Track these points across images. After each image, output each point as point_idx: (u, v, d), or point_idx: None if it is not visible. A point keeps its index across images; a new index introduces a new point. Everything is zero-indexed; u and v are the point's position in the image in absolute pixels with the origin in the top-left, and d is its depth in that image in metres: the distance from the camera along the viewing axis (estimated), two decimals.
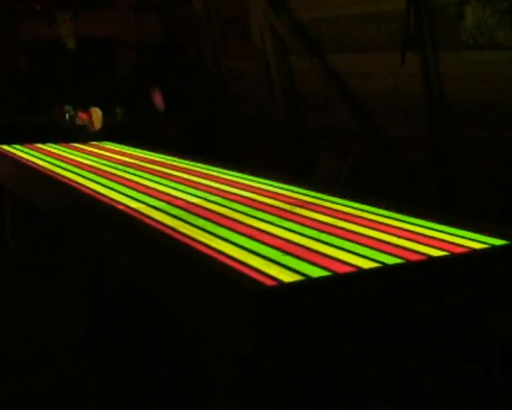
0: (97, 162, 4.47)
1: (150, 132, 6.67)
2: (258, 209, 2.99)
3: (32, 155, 4.80)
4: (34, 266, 4.88)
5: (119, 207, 3.05)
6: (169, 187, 3.53)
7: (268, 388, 2.09)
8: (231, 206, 3.05)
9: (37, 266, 4.88)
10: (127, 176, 3.90)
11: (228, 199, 3.21)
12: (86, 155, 4.87)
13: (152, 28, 7.85)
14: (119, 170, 4.12)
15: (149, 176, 3.90)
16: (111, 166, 4.26)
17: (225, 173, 3.97)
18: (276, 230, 2.62)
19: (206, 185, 3.58)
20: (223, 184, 3.62)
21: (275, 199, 3.21)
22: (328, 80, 5.63)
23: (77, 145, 5.41)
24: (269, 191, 3.41)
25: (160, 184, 3.63)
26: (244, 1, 6.24)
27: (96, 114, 5.80)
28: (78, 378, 3.35)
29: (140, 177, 3.87)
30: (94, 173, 3.97)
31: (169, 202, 3.14)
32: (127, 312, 3.76)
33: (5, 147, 5.17)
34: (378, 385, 2.11)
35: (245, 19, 6.34)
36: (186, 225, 2.68)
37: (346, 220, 2.77)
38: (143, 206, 3.06)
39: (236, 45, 6.79)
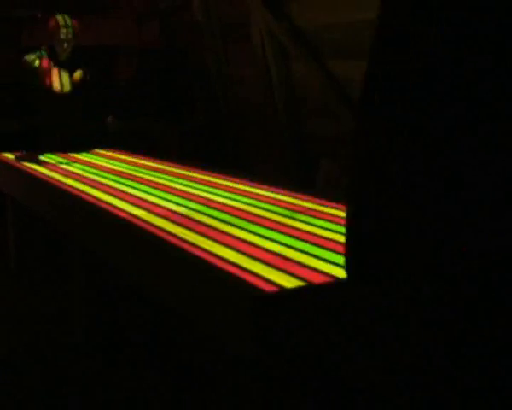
0: (97, 170, 4.48)
1: (151, 138, 6.68)
2: (258, 216, 2.99)
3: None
4: (36, 271, 4.89)
5: (122, 214, 3.06)
6: (169, 194, 3.54)
7: (268, 389, 2.09)
8: (231, 213, 3.06)
9: (39, 271, 4.89)
10: (127, 183, 3.91)
11: (228, 205, 3.22)
12: (88, 158, 4.89)
13: (153, 35, 7.86)
14: (119, 178, 4.14)
15: (149, 183, 3.91)
16: (111, 174, 4.27)
17: (225, 180, 3.97)
18: (276, 236, 2.63)
19: (207, 192, 3.59)
20: (223, 190, 3.62)
21: (276, 205, 3.22)
22: (328, 86, 5.63)
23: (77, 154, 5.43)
24: (269, 198, 3.41)
25: (161, 191, 3.64)
26: (244, 7, 6.25)
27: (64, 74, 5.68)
28: (78, 378, 3.38)
29: (140, 184, 3.89)
30: (94, 181, 3.99)
31: (170, 210, 3.15)
32: (127, 313, 3.77)
33: (7, 154, 5.19)
34: (379, 385, 2.12)
35: (245, 25, 6.35)
36: (187, 232, 2.69)
37: None
38: (144, 213, 3.07)
39: (237, 51, 6.79)
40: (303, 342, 2.02)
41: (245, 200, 3.35)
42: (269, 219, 2.92)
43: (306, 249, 2.43)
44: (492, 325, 1.42)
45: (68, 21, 5.62)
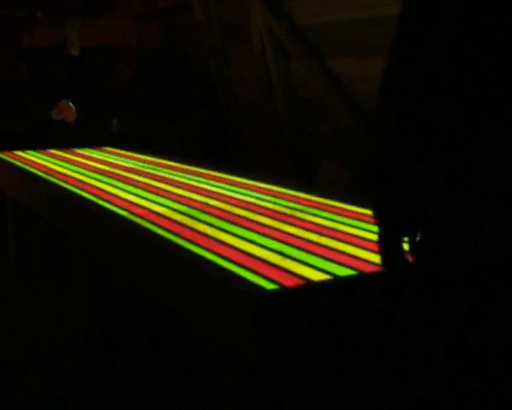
0: (98, 168, 4.47)
1: (151, 138, 6.68)
2: (258, 213, 2.98)
3: (31, 161, 4.81)
4: (36, 271, 4.89)
5: (121, 212, 3.05)
6: (169, 192, 3.54)
7: (268, 389, 2.09)
8: (232, 210, 3.05)
9: (39, 271, 4.88)
10: (128, 181, 3.91)
11: (228, 203, 3.21)
12: (87, 160, 4.89)
13: (153, 35, 7.86)
14: (120, 175, 4.13)
15: (149, 181, 3.91)
16: (112, 172, 4.26)
17: (225, 179, 3.96)
18: (276, 234, 2.62)
19: (206, 190, 3.58)
20: (223, 188, 3.61)
21: (275, 204, 3.20)
22: (328, 85, 5.62)
23: (77, 151, 5.42)
24: (269, 196, 3.40)
25: (161, 189, 3.64)
26: (245, 7, 6.25)
27: (67, 106, 5.76)
28: (78, 378, 3.37)
29: (140, 181, 3.88)
30: (95, 179, 3.98)
31: (169, 207, 3.14)
32: (128, 313, 3.77)
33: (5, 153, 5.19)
34: (378, 385, 2.12)
35: (245, 24, 6.34)
36: (187, 230, 2.69)
37: (346, 224, 2.77)
38: (145, 211, 3.07)
39: (237, 51, 6.79)
40: (303, 340, 2.01)
41: (244, 198, 3.35)
42: (268, 217, 2.92)
43: (306, 247, 2.43)
44: (492, 325, 1.42)
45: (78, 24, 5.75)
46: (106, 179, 3.97)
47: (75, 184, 3.79)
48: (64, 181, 3.91)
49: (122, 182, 3.88)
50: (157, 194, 3.47)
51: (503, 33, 1.31)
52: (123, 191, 3.58)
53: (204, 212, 3.02)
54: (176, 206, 3.18)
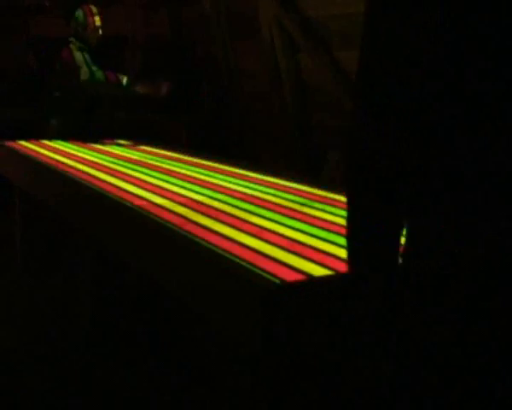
0: (106, 159, 4.46)
1: (158, 130, 6.68)
2: (265, 208, 2.95)
3: (40, 151, 4.81)
4: (41, 264, 4.88)
5: (139, 202, 3.02)
6: (175, 185, 3.52)
7: (270, 387, 2.07)
8: (237, 204, 3.02)
9: (45, 264, 4.88)
10: (136, 174, 3.90)
11: (234, 197, 3.18)
12: (95, 153, 4.89)
13: (160, 26, 7.84)
14: (128, 168, 4.12)
15: (157, 173, 3.90)
16: (119, 164, 4.25)
17: (232, 171, 3.94)
18: (283, 228, 2.58)
19: (212, 183, 3.56)
20: (228, 182, 3.59)
21: (282, 198, 3.17)
22: (336, 78, 5.60)
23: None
24: (277, 189, 3.38)
25: (167, 181, 3.62)
26: None
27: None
28: (79, 378, 3.36)
29: (148, 174, 3.87)
30: (103, 171, 3.97)
31: (173, 200, 3.12)
32: (129, 312, 3.77)
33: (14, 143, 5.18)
34: (378, 385, 2.10)
35: (254, 16, 6.32)
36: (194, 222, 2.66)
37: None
38: (150, 202, 3.04)
39: (245, 43, 6.78)
40: (309, 337, 2.00)
41: (250, 192, 3.32)
42: (275, 212, 2.89)
43: (314, 243, 2.40)
44: (492, 325, 1.41)
45: (95, 9, 5.71)
46: (118, 168, 3.97)
47: (83, 174, 3.78)
48: (73, 170, 3.90)
49: (126, 177, 3.87)
50: (163, 187, 3.45)
51: (502, 33, 1.30)
52: (134, 179, 3.60)
53: (207, 205, 3.00)
54: (193, 196, 3.17)
